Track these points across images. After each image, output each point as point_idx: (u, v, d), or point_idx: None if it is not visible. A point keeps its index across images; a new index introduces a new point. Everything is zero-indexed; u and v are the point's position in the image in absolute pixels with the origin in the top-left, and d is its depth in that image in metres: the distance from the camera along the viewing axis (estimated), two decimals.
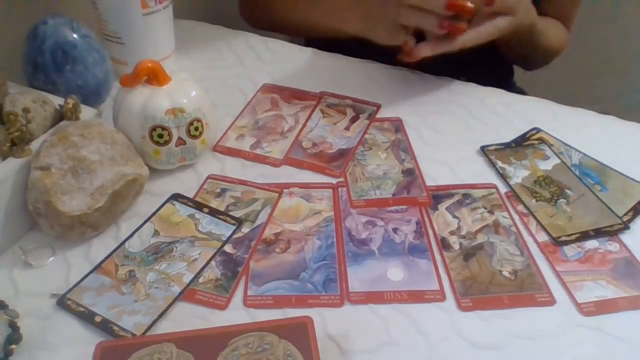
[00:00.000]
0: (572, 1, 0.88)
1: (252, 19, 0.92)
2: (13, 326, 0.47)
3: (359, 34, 0.71)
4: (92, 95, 0.65)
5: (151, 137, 0.59)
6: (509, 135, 0.70)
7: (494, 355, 0.47)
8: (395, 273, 0.53)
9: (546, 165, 0.65)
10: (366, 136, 0.69)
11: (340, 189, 0.62)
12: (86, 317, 0.48)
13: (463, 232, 0.57)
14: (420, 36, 0.69)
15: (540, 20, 0.77)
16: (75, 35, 0.62)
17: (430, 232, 0.57)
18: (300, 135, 0.69)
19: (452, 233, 0.57)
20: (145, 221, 0.57)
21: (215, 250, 0.54)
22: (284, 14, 0.85)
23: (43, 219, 0.53)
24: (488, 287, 0.52)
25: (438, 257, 0.55)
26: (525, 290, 0.52)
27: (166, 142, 0.59)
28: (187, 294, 0.51)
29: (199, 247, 0.55)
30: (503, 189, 0.63)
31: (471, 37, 0.67)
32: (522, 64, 0.95)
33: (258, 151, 0.67)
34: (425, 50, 0.67)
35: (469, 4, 0.63)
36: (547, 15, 0.86)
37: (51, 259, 0.54)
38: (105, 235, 0.56)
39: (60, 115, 0.58)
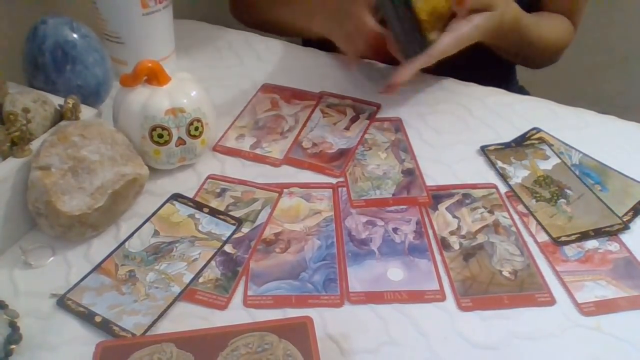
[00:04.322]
0: None
1: (241, 18, 0.92)
2: (13, 326, 0.47)
3: (324, 35, 0.72)
4: (92, 95, 0.65)
5: (151, 137, 0.59)
6: (509, 135, 0.70)
7: (494, 355, 0.47)
8: (395, 273, 0.53)
9: (546, 165, 0.65)
10: (366, 136, 0.69)
11: (340, 189, 0.62)
12: (86, 317, 0.48)
13: (463, 232, 0.57)
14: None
15: (528, 15, 0.75)
16: (75, 35, 0.62)
17: (430, 232, 0.57)
18: (300, 135, 0.69)
19: (452, 233, 0.57)
20: (145, 221, 0.57)
21: (215, 250, 0.54)
22: (265, 14, 0.86)
23: (43, 219, 0.53)
24: (488, 287, 0.52)
25: (438, 257, 0.55)
26: (525, 290, 0.52)
27: (166, 142, 0.59)
28: (187, 294, 0.51)
29: (199, 247, 0.55)
30: (503, 189, 0.63)
31: (449, 43, 0.65)
32: (525, 64, 0.94)
33: (258, 151, 0.67)
34: (403, 74, 0.66)
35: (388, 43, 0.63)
36: (552, 10, 0.85)
37: (51, 259, 0.54)
38: (105, 235, 0.56)
39: (60, 115, 0.58)
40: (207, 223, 0.57)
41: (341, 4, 0.68)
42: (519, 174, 0.64)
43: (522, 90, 0.99)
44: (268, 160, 0.65)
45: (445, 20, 0.67)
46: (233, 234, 0.56)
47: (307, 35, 0.82)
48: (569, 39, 0.86)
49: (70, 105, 0.57)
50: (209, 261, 0.53)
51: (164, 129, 0.59)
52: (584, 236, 0.57)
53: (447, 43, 0.65)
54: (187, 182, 0.62)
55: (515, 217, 0.59)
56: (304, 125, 0.70)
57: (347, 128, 0.70)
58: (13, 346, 0.46)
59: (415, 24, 0.63)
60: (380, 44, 0.67)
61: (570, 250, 0.56)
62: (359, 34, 0.66)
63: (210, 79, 0.77)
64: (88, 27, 0.64)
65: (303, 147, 0.67)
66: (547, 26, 0.82)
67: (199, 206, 0.59)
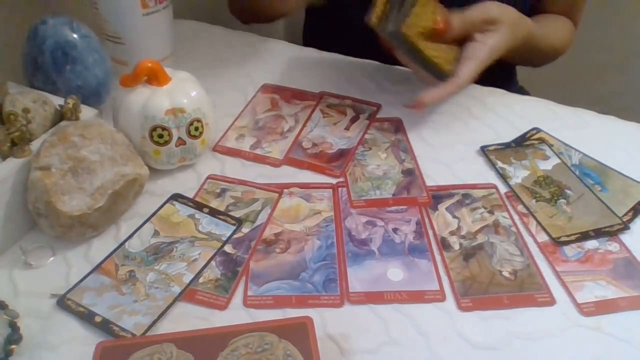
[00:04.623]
0: None
1: (239, 14, 0.92)
2: (13, 326, 0.47)
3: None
4: (92, 95, 0.65)
5: (151, 137, 0.59)
6: (509, 135, 0.70)
7: (494, 355, 0.47)
8: (395, 273, 0.53)
9: (546, 165, 0.65)
10: (366, 136, 0.69)
11: (340, 189, 0.62)
12: (86, 317, 0.48)
13: (463, 232, 0.57)
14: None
15: (536, 26, 0.76)
16: (75, 35, 0.62)
17: (430, 232, 0.57)
18: (300, 135, 0.69)
19: (452, 233, 0.57)
20: (145, 221, 0.57)
21: (215, 251, 0.54)
22: (256, 3, 0.85)
23: (43, 219, 0.53)
24: (488, 287, 0.52)
25: (438, 257, 0.55)
26: (525, 291, 0.52)
27: (166, 142, 0.59)
28: (187, 294, 0.51)
29: (199, 247, 0.55)
30: (503, 189, 0.63)
31: (473, 70, 0.66)
32: (529, 65, 0.94)
33: (258, 151, 0.67)
34: (432, 97, 0.65)
35: None
36: (552, 10, 0.85)
37: (51, 259, 0.54)
38: (105, 235, 0.56)
39: (60, 115, 0.58)
40: (207, 223, 0.57)
41: None
42: (519, 174, 0.64)
43: (522, 90, 0.99)
44: (268, 160, 0.65)
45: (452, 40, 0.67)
46: (233, 234, 0.56)
47: (297, 8, 0.81)
48: (572, 39, 0.88)
49: (71, 106, 0.57)
50: (209, 261, 0.53)
51: (164, 129, 0.59)
52: (584, 236, 0.57)
53: (471, 71, 0.66)
54: (187, 182, 0.62)
55: (515, 217, 0.59)
56: (304, 125, 0.70)
57: (347, 128, 0.70)
58: (13, 346, 0.46)
59: (426, 59, 0.65)
60: None
61: (570, 250, 0.56)
62: None
63: (210, 79, 0.77)
64: (88, 28, 0.64)
65: (303, 147, 0.67)
66: (553, 33, 0.83)
67: (199, 206, 0.59)
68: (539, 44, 0.78)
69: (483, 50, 0.66)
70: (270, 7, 0.81)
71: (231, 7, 0.91)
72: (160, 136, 0.59)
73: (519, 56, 0.77)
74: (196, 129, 0.60)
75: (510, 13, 0.69)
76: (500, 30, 0.67)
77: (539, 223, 0.58)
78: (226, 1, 0.92)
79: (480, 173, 0.65)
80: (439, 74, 0.66)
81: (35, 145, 0.54)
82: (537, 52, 0.80)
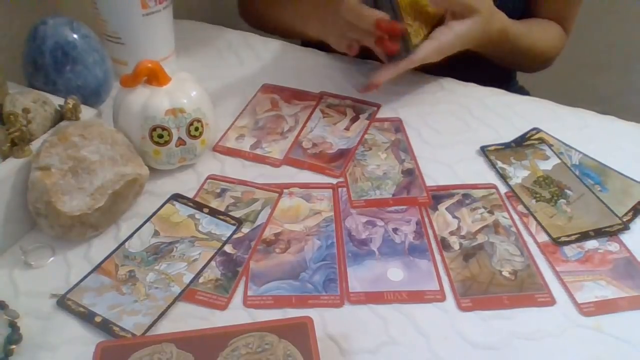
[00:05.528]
0: (569, 2, 0.85)
1: (248, 19, 0.93)
2: (13, 326, 0.47)
3: (319, 37, 0.74)
4: (92, 95, 0.65)
5: (151, 137, 0.59)
6: (509, 135, 0.70)
7: (494, 355, 0.47)
8: (395, 273, 0.53)
9: (546, 166, 0.65)
10: (366, 136, 0.69)
11: (340, 189, 0.62)
12: (86, 317, 0.48)
13: (463, 232, 0.57)
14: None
15: (516, 23, 0.76)
16: (75, 36, 0.62)
17: (430, 232, 0.57)
18: (300, 136, 0.69)
19: (452, 233, 0.57)
20: (145, 221, 0.57)
21: (215, 251, 0.54)
22: (268, 16, 0.87)
23: (43, 219, 0.53)
24: (488, 287, 0.52)
25: (438, 257, 0.55)
26: (525, 291, 0.52)
27: (166, 142, 0.59)
28: (187, 294, 0.51)
29: (199, 247, 0.55)
30: (503, 189, 0.63)
31: (431, 50, 0.66)
32: (519, 69, 0.94)
33: (258, 151, 0.67)
34: (384, 75, 0.68)
35: (399, 25, 0.64)
36: (543, 16, 0.85)
37: (51, 259, 0.54)
38: (105, 235, 0.56)
39: (60, 116, 0.58)
40: (207, 223, 0.57)
41: (332, 4, 0.68)
42: (519, 174, 0.64)
43: (522, 90, 0.99)
44: (268, 160, 0.65)
45: (430, 22, 0.68)
46: (233, 234, 0.56)
47: (305, 38, 0.83)
48: (561, 45, 0.86)
49: (71, 106, 0.57)
50: (209, 261, 0.53)
51: (164, 129, 0.59)
52: (584, 236, 0.57)
53: (428, 50, 0.66)
54: (187, 183, 0.62)
55: (515, 217, 0.59)
56: (304, 125, 0.70)
57: (347, 128, 0.70)
58: (13, 346, 0.46)
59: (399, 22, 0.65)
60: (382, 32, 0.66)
61: (570, 250, 0.56)
62: (355, 28, 0.67)
63: (210, 79, 0.77)
64: (88, 28, 0.64)
65: (303, 147, 0.67)
66: (538, 34, 0.82)
67: (199, 206, 0.59)
68: (519, 41, 0.77)
69: (447, 35, 0.67)
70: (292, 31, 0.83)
71: (241, 12, 0.92)
72: (160, 136, 0.59)
73: (498, 53, 0.77)
74: (196, 129, 0.60)
75: (485, 2, 0.69)
76: (472, 19, 0.67)
77: (539, 223, 0.58)
78: (226, 1, 0.93)
79: (480, 173, 0.65)
80: (403, 45, 0.66)
81: (35, 145, 0.54)
82: (519, 51, 0.79)
